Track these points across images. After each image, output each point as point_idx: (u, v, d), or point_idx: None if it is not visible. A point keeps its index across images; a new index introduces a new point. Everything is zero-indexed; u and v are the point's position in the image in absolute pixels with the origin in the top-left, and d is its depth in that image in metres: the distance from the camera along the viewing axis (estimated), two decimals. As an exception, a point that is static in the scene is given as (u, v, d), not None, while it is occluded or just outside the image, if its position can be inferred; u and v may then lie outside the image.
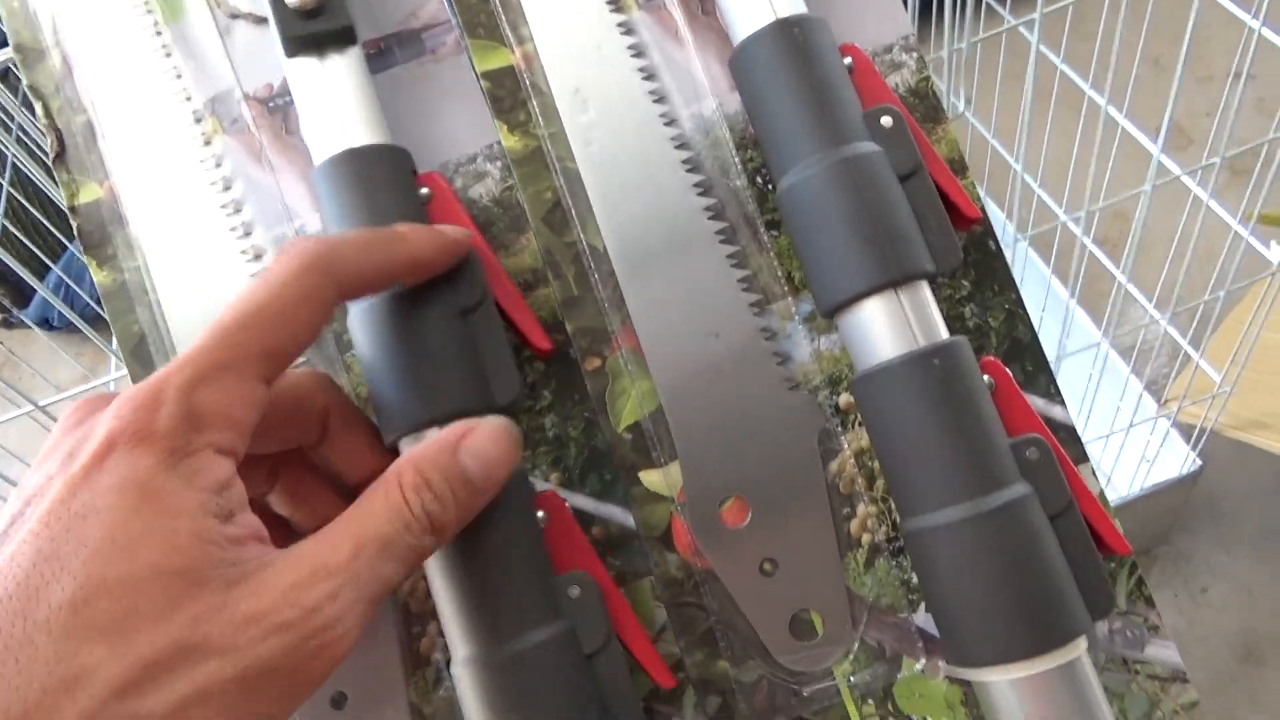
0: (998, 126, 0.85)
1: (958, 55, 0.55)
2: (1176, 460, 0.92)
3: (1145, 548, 1.07)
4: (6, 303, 1.46)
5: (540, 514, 0.28)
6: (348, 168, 0.29)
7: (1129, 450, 0.90)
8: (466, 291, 0.29)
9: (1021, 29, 0.55)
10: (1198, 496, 1.06)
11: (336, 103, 0.29)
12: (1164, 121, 0.59)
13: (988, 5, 0.70)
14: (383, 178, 0.29)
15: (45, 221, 1.00)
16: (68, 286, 1.37)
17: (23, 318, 1.51)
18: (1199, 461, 0.90)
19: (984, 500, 0.26)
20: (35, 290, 1.36)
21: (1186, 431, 0.91)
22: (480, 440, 0.25)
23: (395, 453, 0.28)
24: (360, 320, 0.28)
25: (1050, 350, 0.90)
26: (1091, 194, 0.63)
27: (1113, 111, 0.59)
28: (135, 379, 0.32)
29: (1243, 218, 0.68)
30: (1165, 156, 0.64)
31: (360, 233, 0.26)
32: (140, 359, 0.32)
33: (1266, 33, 0.55)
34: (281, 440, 0.27)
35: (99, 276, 0.32)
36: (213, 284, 0.32)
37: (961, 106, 0.55)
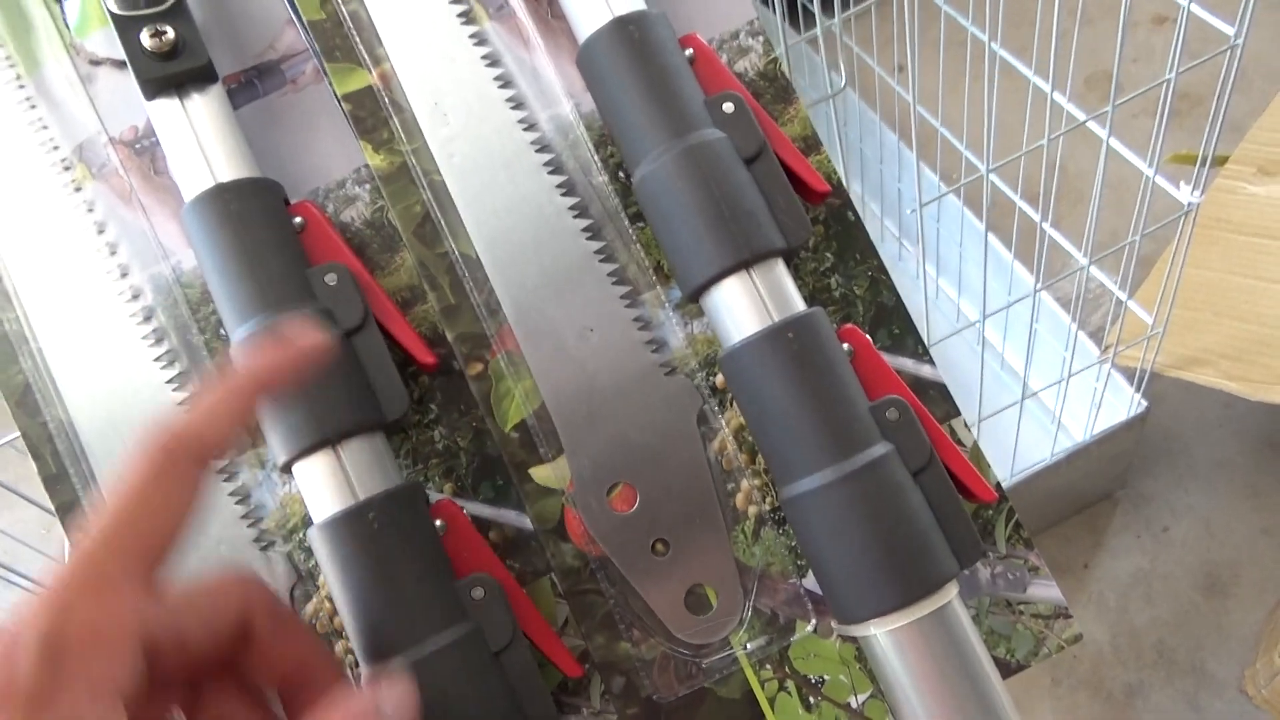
0: (923, 90, 0.87)
1: (829, 33, 0.56)
2: (1123, 404, 0.93)
3: (1106, 492, 1.09)
4: None
5: (438, 522, 0.29)
6: (218, 203, 0.29)
7: (1077, 398, 0.92)
8: (348, 314, 0.29)
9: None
10: (1152, 438, 1.08)
11: (201, 140, 0.30)
12: (1067, 73, 0.61)
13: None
14: (254, 211, 0.29)
15: None
16: None
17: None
18: (1144, 403, 0.92)
19: (846, 463, 0.27)
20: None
21: (1131, 375, 0.93)
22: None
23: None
24: (242, 350, 0.29)
25: (995, 303, 0.91)
26: (1005, 149, 0.65)
27: (1010, 58, 0.60)
28: (22, 428, 0.32)
29: (1152, 160, 0.70)
30: (1072, 105, 0.65)
31: (208, 401, 0.23)
32: (26, 408, 0.32)
33: None
34: (198, 651, 0.23)
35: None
36: (94, 326, 0.32)
37: (843, 82, 0.56)
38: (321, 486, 0.28)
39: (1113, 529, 1.08)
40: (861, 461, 0.27)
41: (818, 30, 0.56)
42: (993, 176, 0.71)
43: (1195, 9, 0.55)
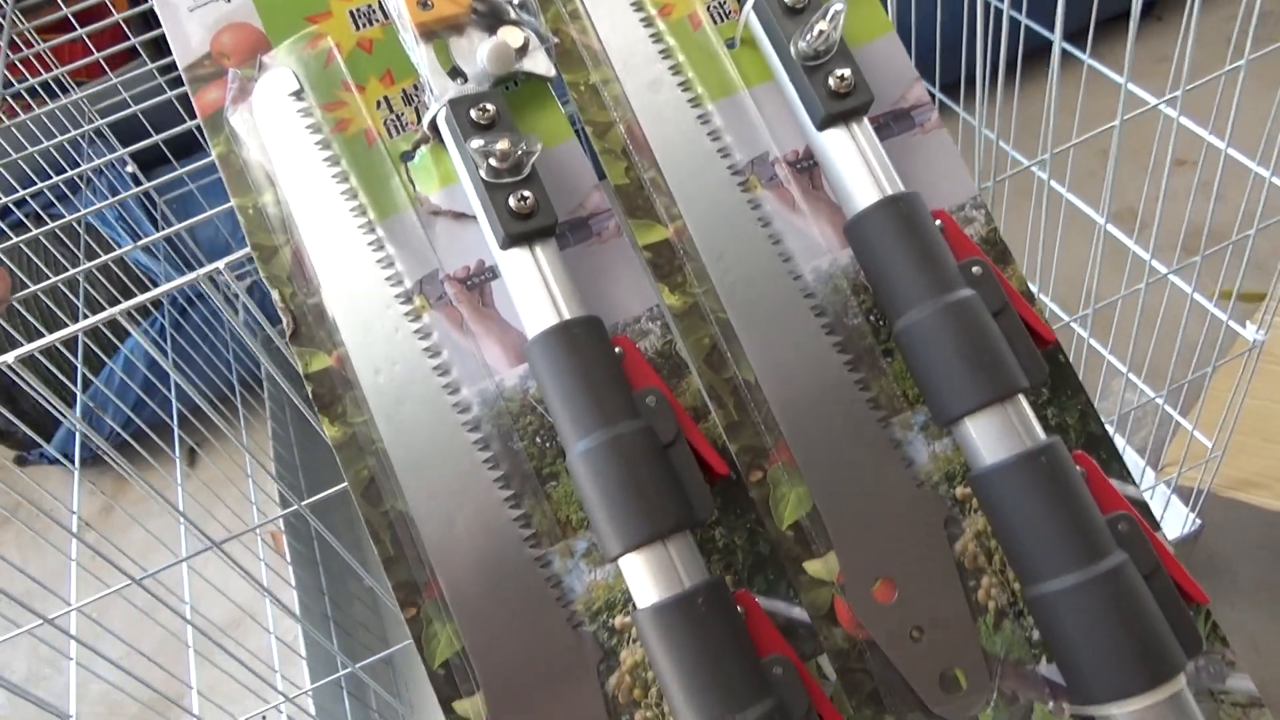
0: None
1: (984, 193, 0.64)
2: (1178, 521, 0.99)
3: (1154, 607, 1.14)
4: (32, 434, 1.49)
5: (740, 609, 0.35)
6: (564, 338, 0.36)
7: (1134, 515, 0.98)
8: (665, 430, 0.35)
9: (1034, 169, 0.64)
10: (1196, 555, 1.14)
11: (548, 284, 0.37)
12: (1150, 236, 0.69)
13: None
14: (590, 344, 0.36)
15: (65, 352, 1.05)
16: (94, 416, 1.41)
17: (44, 453, 1.53)
18: (1199, 521, 0.98)
19: (1093, 568, 0.33)
20: (56, 424, 1.39)
21: (1184, 494, 0.99)
22: None
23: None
24: (582, 458, 0.35)
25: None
26: (1087, 298, 0.73)
27: (1114, 230, 0.68)
28: (366, 518, 0.38)
29: (1218, 300, 0.78)
30: (1151, 257, 0.73)
31: None
32: (370, 499, 0.38)
33: (1184, 121, 0.64)
34: None
35: (330, 431, 0.39)
36: (430, 432, 0.38)
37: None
38: (651, 576, 0.34)
39: (1164, 643, 1.12)
40: (1106, 567, 0.33)
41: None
42: (1074, 324, 0.79)
43: (1275, 179, 0.64)
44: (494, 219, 0.37)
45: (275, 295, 0.40)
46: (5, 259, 1.28)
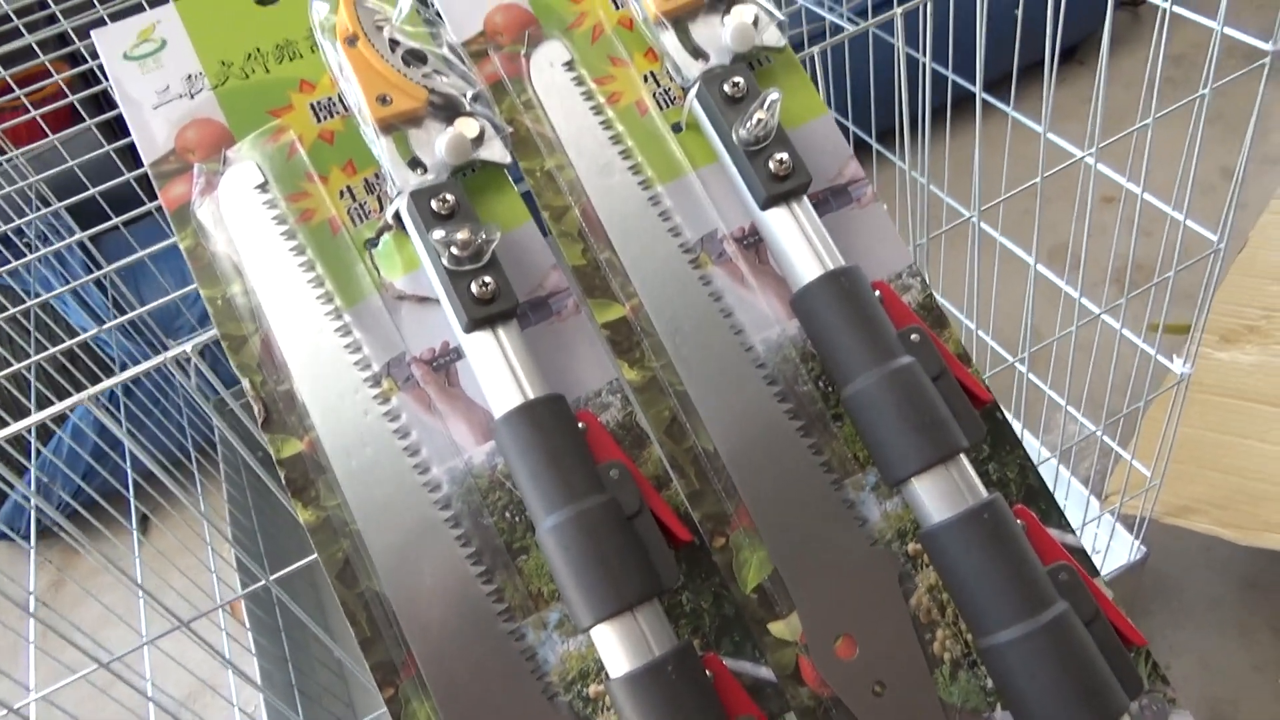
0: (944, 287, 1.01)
1: (920, 249, 0.68)
2: (1124, 549, 1.03)
3: (1108, 632, 1.17)
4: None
5: (708, 673, 0.36)
6: (529, 417, 0.37)
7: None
8: (629, 502, 0.37)
9: (972, 219, 0.68)
10: (1145, 580, 1.18)
11: (511, 365, 0.38)
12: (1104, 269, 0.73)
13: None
14: (554, 423, 0.37)
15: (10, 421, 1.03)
16: (44, 487, 1.38)
17: (-11, 532, 1.49)
18: (1144, 548, 1.02)
19: (1037, 618, 0.35)
20: (2, 497, 1.36)
21: (1127, 522, 1.03)
22: None
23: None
24: (551, 533, 0.36)
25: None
26: (1025, 341, 0.76)
27: (1045, 271, 0.72)
28: (342, 600, 0.39)
29: (1146, 334, 0.82)
30: (1081, 295, 0.77)
31: None
32: (345, 581, 0.39)
33: (1102, 168, 0.69)
34: None
35: (304, 515, 0.40)
36: (402, 512, 0.39)
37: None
38: (622, 645, 0.35)
39: (1118, 667, 1.15)
40: (1049, 617, 0.35)
41: (910, 244, 0.67)
42: (1017, 365, 0.82)
43: (1189, 222, 0.68)
44: (457, 305, 0.38)
45: (246, 384, 0.41)
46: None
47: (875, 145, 0.97)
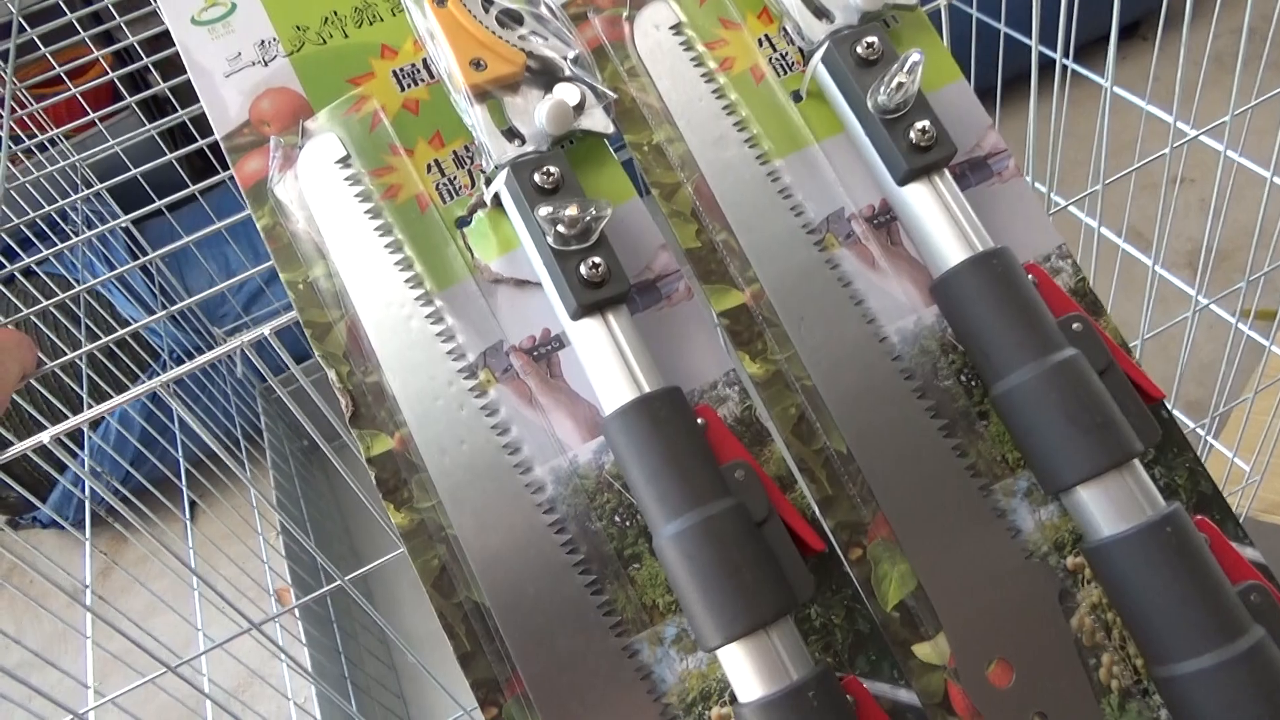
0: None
1: None
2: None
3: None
4: (30, 496, 1.45)
5: (850, 698, 0.32)
6: (645, 413, 0.33)
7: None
8: (757, 507, 0.33)
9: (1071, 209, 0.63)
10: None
11: (625, 356, 0.34)
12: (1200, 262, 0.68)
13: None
14: (673, 418, 0.34)
15: (68, 412, 1.02)
16: (94, 474, 1.37)
17: (37, 516, 1.48)
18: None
19: (1230, 647, 0.31)
20: (50, 486, 1.35)
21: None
22: None
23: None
24: (672, 541, 0.32)
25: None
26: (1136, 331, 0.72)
27: (1162, 271, 0.67)
28: (439, 611, 0.35)
29: (1240, 315, 0.76)
30: (1199, 293, 0.72)
31: None
32: (441, 589, 0.36)
33: (1206, 140, 0.64)
34: None
35: (397, 518, 0.36)
36: (503, 515, 0.36)
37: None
38: (754, 668, 0.32)
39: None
40: (1243, 646, 0.31)
41: None
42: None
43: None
44: (564, 288, 0.35)
45: (332, 375, 0.37)
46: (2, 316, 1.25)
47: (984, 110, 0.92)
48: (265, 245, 0.39)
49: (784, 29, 0.41)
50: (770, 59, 0.41)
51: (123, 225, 1.20)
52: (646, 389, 0.34)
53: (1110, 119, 0.64)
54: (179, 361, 1.32)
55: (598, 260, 0.35)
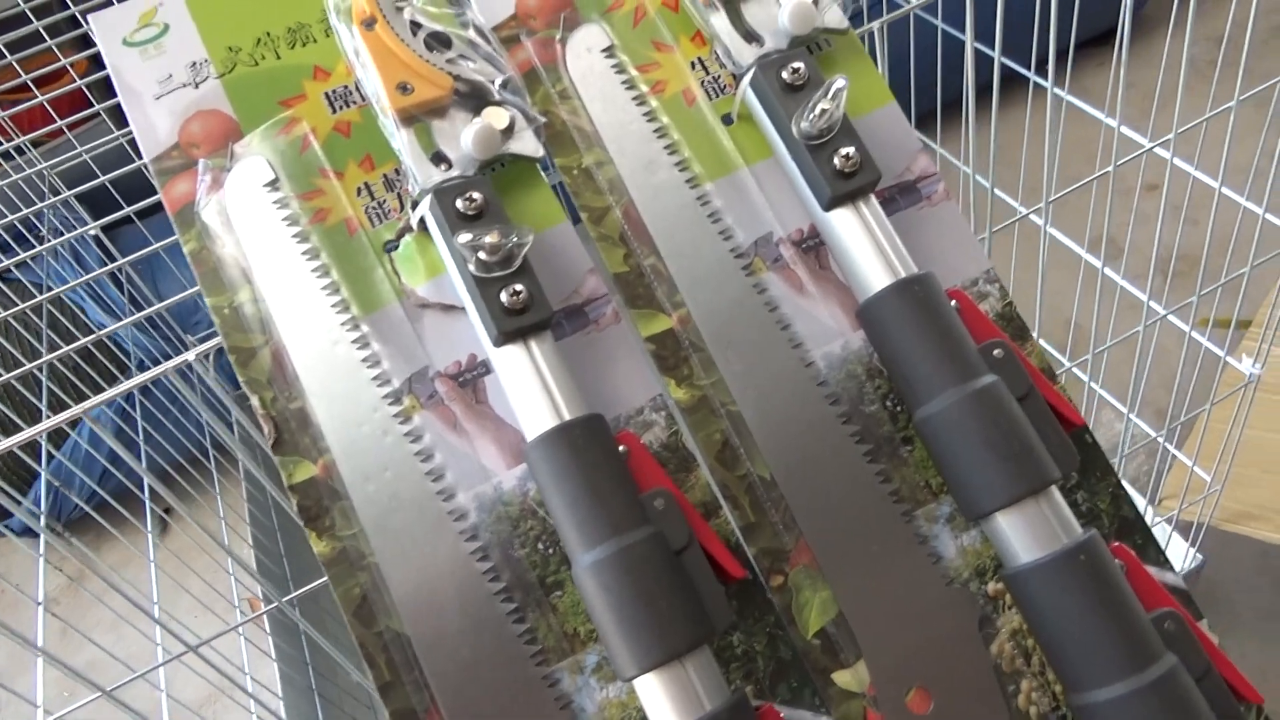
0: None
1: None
2: (1178, 558, 0.98)
3: (1156, 641, 1.12)
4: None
5: (766, 728, 0.32)
6: (564, 441, 0.33)
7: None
8: (676, 535, 0.33)
9: (1032, 217, 0.63)
10: (1198, 589, 1.13)
11: (546, 383, 0.34)
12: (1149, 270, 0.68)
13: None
14: (594, 446, 0.34)
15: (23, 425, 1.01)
16: (57, 491, 1.36)
17: (9, 525, 1.47)
18: (1200, 557, 0.97)
19: (1142, 675, 0.31)
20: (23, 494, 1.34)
21: (1182, 529, 0.98)
22: None
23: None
24: (590, 571, 0.32)
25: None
26: (1078, 339, 0.72)
27: (1109, 272, 0.67)
28: (360, 640, 0.35)
29: (1196, 326, 0.77)
30: (1150, 299, 0.72)
31: None
32: (363, 619, 0.35)
33: (1160, 151, 0.64)
34: None
35: (319, 547, 0.36)
36: (425, 543, 0.36)
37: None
38: (669, 698, 0.31)
39: (1167, 679, 1.10)
40: (1156, 674, 0.31)
41: None
42: (1075, 370, 0.78)
43: (1268, 216, 0.63)
44: (485, 315, 0.35)
45: (255, 401, 0.37)
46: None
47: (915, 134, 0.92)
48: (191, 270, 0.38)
49: (715, 52, 0.41)
50: (703, 82, 0.41)
51: (92, 233, 1.19)
52: (568, 416, 0.34)
53: (1086, 128, 0.64)
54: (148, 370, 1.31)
55: (519, 287, 0.35)
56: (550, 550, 0.36)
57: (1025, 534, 0.33)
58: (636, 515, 0.33)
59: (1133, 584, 0.33)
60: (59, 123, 1.10)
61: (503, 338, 0.35)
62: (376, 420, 0.37)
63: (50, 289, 1.26)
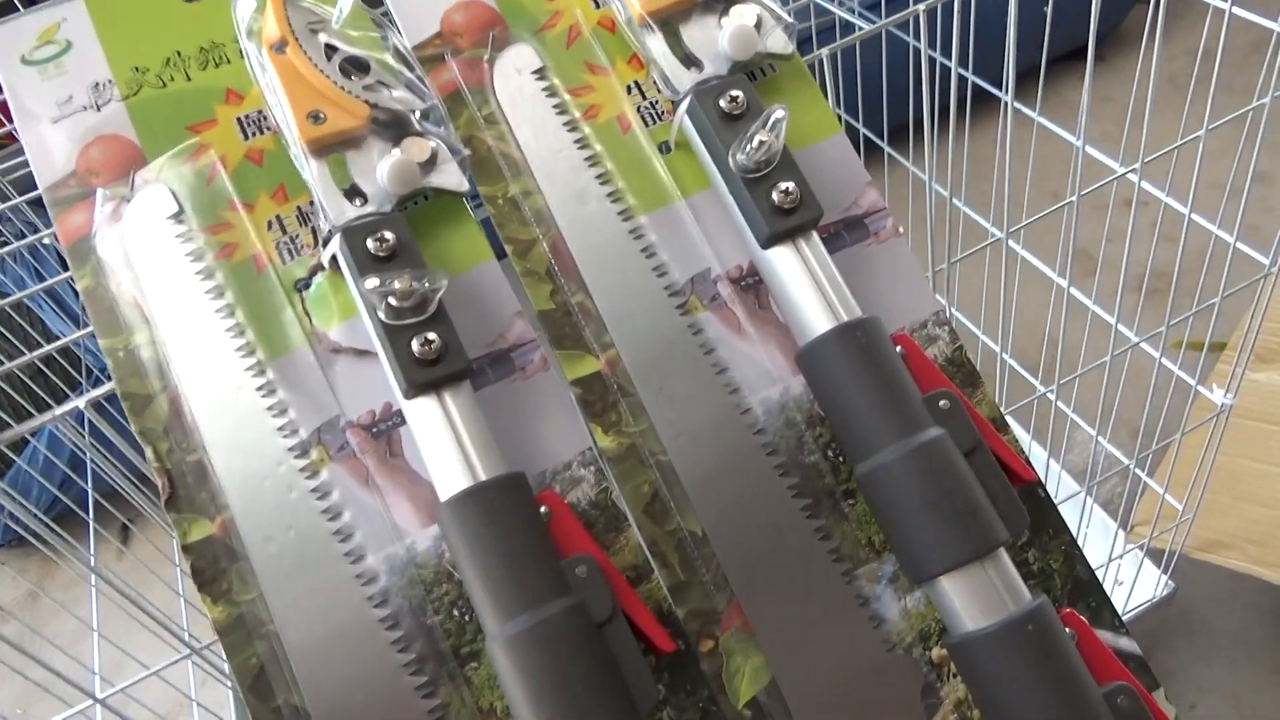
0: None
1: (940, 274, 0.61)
2: (1150, 584, 0.96)
3: (1129, 665, 1.11)
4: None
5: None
6: (479, 503, 0.31)
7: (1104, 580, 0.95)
8: (599, 607, 0.31)
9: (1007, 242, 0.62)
10: (1171, 614, 1.11)
11: (460, 439, 0.32)
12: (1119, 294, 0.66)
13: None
14: (510, 509, 0.31)
15: None
16: (14, 500, 1.32)
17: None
18: (1172, 584, 0.95)
19: (1096, 752, 0.29)
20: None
21: (1154, 556, 0.96)
22: None
23: None
24: (504, 646, 0.30)
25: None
26: (1052, 363, 0.70)
27: (1079, 295, 0.66)
28: (255, 715, 0.33)
29: (1168, 349, 0.75)
30: (1117, 322, 0.71)
31: None
32: (259, 693, 0.33)
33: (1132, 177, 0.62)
34: None
35: (214, 613, 0.33)
36: (330, 609, 0.33)
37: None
38: (587, 784, 0.29)
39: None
40: (1108, 750, 0.29)
41: (929, 270, 0.61)
42: (1049, 395, 0.76)
43: (1239, 245, 0.62)
44: (395, 365, 0.32)
45: (149, 453, 0.34)
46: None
47: (887, 149, 0.90)
48: (84, 310, 0.36)
49: (652, 77, 0.39)
50: (639, 107, 0.39)
51: (47, 240, 1.16)
52: (483, 476, 0.32)
53: (1062, 142, 0.63)
54: (110, 377, 1.28)
55: (432, 336, 0.32)
56: (467, 617, 0.33)
57: (970, 600, 0.31)
58: (555, 585, 0.31)
59: (1084, 654, 0.31)
60: (9, 126, 1.07)
61: (413, 389, 0.32)
62: (281, 474, 0.34)
63: (6, 295, 1.22)
